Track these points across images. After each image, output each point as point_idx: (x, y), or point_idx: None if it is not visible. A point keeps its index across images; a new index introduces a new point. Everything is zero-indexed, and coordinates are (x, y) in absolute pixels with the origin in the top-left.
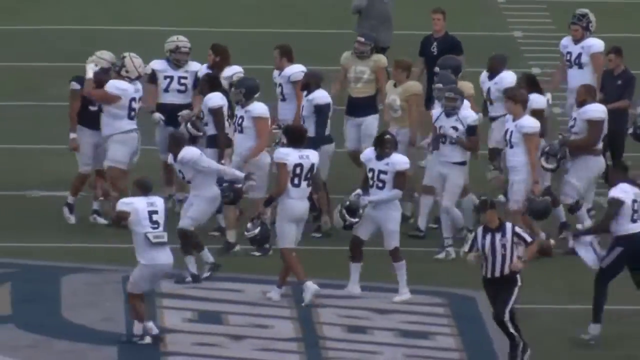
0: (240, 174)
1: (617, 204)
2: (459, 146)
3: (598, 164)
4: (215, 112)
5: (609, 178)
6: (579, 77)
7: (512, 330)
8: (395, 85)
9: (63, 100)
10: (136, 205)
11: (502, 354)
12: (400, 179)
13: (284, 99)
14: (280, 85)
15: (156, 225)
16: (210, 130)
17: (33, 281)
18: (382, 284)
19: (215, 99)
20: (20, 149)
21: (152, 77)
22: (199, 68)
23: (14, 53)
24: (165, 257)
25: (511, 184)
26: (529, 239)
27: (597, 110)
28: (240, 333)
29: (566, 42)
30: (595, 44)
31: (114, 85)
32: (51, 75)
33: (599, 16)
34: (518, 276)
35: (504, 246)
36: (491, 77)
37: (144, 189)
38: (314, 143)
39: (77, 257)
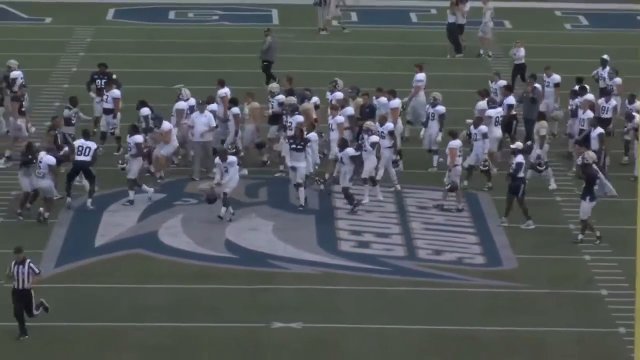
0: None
1: None
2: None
3: None
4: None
5: None
6: None
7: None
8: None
9: None
10: None
11: (490, 219)
12: None
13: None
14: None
15: None
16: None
17: (283, 184)
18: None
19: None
20: None
21: None
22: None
23: None
24: None
25: None
26: (37, 271)
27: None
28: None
29: None
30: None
31: None
32: None
33: None
34: (31, 292)
35: (23, 273)
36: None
37: None
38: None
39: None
